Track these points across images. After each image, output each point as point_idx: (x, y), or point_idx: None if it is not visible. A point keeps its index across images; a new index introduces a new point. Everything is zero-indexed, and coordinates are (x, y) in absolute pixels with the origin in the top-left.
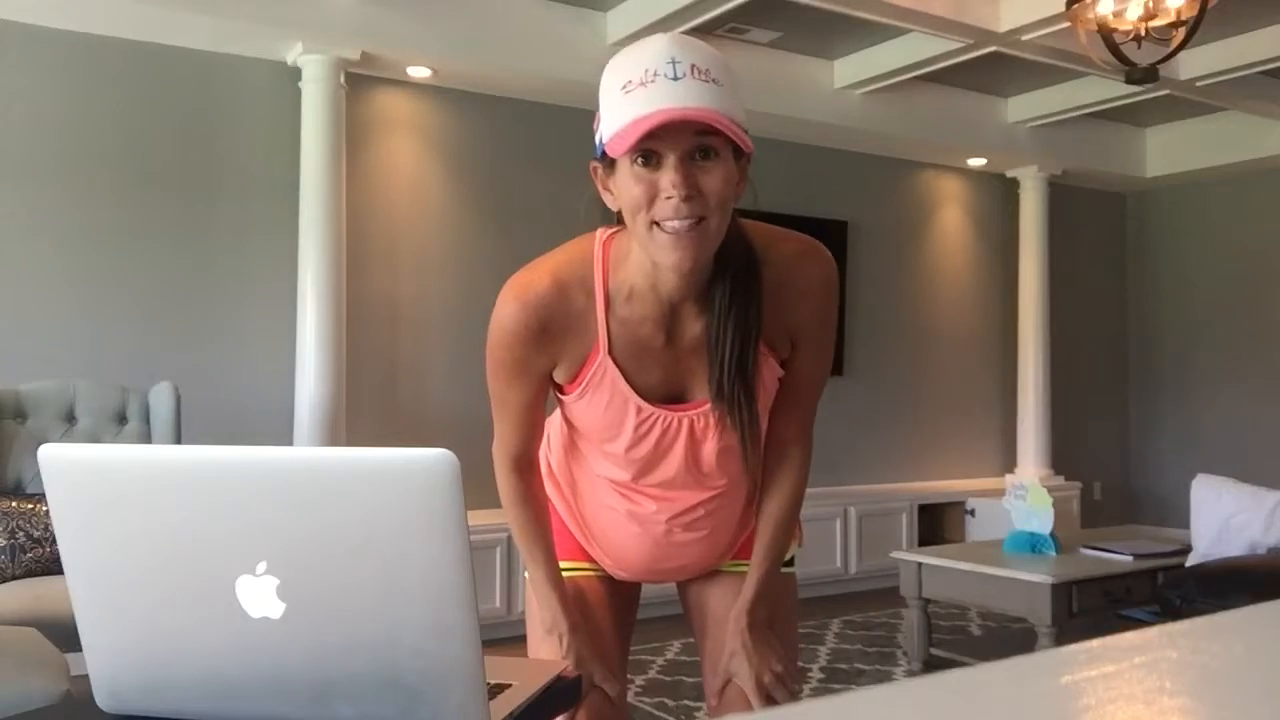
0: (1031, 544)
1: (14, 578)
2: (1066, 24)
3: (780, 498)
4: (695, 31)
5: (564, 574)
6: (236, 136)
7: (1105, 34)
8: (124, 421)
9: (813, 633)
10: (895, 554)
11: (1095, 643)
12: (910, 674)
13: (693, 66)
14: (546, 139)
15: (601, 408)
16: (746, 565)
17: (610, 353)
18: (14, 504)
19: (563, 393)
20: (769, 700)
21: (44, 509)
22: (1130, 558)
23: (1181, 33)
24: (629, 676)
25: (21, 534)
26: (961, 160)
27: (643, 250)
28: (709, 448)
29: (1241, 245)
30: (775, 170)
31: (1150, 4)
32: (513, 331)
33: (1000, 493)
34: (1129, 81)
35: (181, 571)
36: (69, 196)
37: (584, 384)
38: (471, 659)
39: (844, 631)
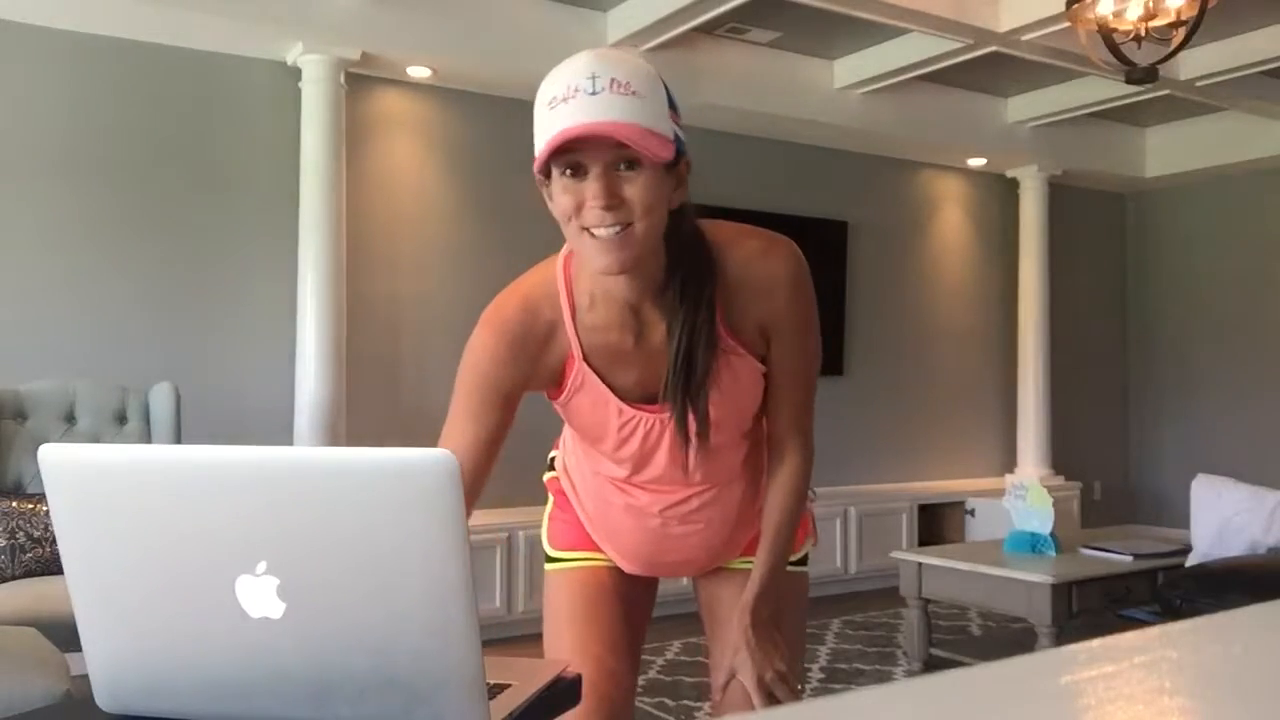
0: (1031, 544)
1: (14, 578)
2: (1066, 24)
3: (778, 495)
4: (695, 32)
5: (578, 563)
6: (237, 136)
7: (1105, 34)
8: (124, 421)
9: (813, 633)
10: (895, 554)
11: (1095, 643)
12: (910, 674)
13: (612, 80)
14: None
15: (588, 411)
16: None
17: (586, 359)
18: (14, 504)
19: (554, 399)
20: (770, 698)
21: (44, 509)
22: (1130, 558)
23: (1181, 33)
24: None
25: (21, 534)
26: (961, 160)
27: (580, 256)
28: (691, 447)
29: (1241, 245)
30: (775, 170)
31: (1150, 4)
32: (481, 355)
33: (1000, 493)
34: (1129, 81)
35: (181, 571)
36: (69, 196)
37: (567, 390)
38: (471, 659)
39: (844, 631)
